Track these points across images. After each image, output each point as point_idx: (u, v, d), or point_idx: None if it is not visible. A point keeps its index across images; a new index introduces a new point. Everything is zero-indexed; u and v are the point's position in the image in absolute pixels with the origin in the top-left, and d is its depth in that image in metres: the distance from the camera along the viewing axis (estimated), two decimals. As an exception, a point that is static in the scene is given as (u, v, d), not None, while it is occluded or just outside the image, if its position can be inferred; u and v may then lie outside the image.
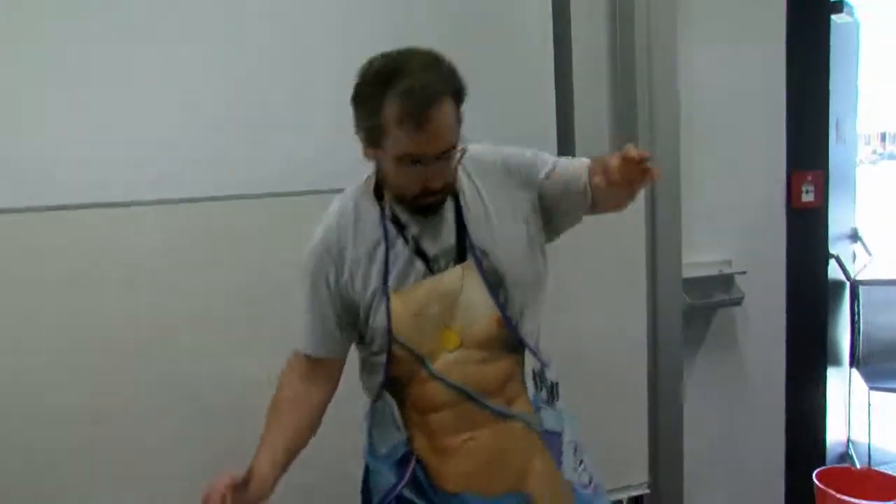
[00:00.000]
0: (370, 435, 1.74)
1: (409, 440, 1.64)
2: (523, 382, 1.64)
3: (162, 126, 2.31)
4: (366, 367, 1.70)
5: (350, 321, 1.65)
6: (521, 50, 2.74)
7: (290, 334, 1.71)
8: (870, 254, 4.11)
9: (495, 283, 1.58)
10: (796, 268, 3.20)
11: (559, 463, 1.67)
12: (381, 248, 1.59)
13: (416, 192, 1.53)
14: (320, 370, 1.68)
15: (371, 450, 1.74)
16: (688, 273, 2.94)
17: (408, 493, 1.65)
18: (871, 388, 3.62)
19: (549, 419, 1.67)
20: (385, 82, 1.44)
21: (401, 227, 1.60)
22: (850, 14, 3.66)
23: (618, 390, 2.75)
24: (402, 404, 1.64)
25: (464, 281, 1.57)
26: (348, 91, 1.50)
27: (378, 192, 1.63)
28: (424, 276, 1.57)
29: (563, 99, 2.83)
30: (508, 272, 1.60)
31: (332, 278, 1.61)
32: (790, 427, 3.16)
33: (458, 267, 1.58)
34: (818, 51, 3.24)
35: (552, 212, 1.65)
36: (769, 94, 3.13)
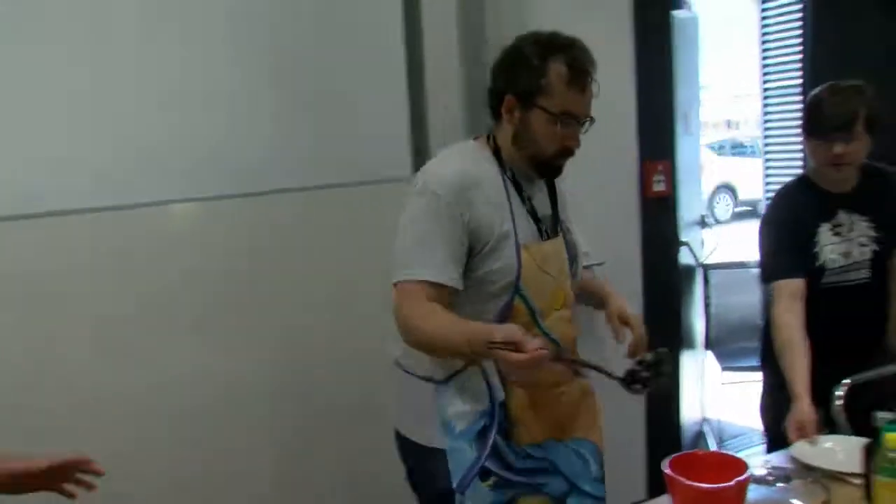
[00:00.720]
0: (444, 414, 1.77)
1: (500, 403, 1.75)
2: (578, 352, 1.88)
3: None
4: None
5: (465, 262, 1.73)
6: (374, 44, 2.74)
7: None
8: (717, 240, 4.31)
9: (572, 257, 1.85)
10: (651, 256, 3.30)
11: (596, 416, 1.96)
12: (505, 200, 1.73)
13: (555, 150, 1.73)
14: (442, 300, 1.68)
15: (448, 430, 1.77)
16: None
17: (492, 465, 1.75)
18: (724, 369, 3.79)
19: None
20: (550, 47, 1.69)
21: (519, 187, 1.77)
22: (689, 9, 3.82)
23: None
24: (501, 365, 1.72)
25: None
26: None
27: (496, 155, 1.78)
28: (537, 237, 1.77)
29: (415, 90, 2.83)
30: (579, 251, 1.90)
31: (465, 213, 1.68)
32: (650, 413, 3.27)
33: (560, 237, 1.83)
34: (662, 45, 3.35)
35: None
36: (618, 89, 3.19)
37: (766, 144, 4.48)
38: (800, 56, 4.07)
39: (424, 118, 2.84)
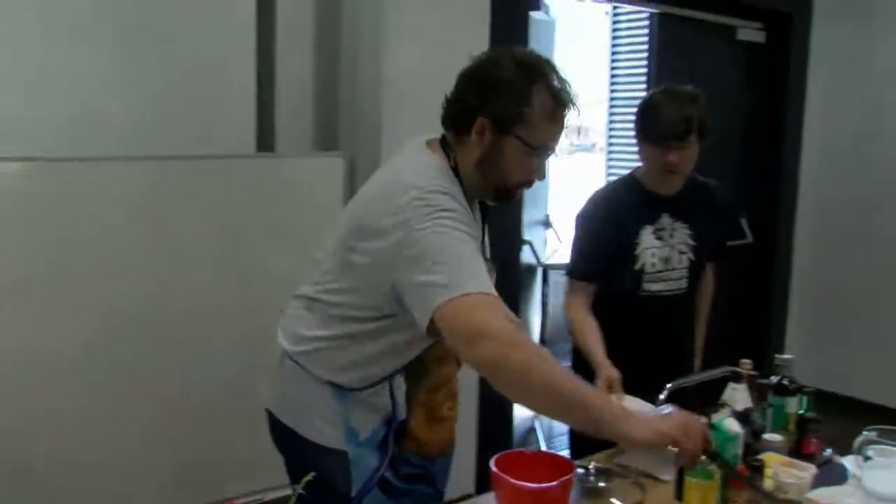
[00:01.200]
0: (348, 420, 1.69)
1: (401, 420, 1.72)
2: None
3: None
4: (388, 352, 1.65)
5: None
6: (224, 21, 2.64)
7: None
8: (560, 239, 4.41)
9: None
10: (494, 253, 3.31)
11: None
12: (479, 222, 1.65)
13: (520, 181, 1.62)
14: None
15: (350, 436, 1.69)
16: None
17: (387, 474, 1.72)
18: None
19: None
20: (535, 73, 1.54)
21: (472, 208, 1.64)
22: (546, 12, 3.89)
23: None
24: (415, 384, 1.73)
25: None
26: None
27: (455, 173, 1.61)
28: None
29: (265, 75, 2.72)
30: None
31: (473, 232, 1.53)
32: (482, 409, 3.30)
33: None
34: (519, 45, 3.37)
35: None
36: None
37: (610, 152, 4.62)
38: (645, 70, 4.24)
39: (272, 98, 2.74)
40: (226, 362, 2.58)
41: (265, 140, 2.74)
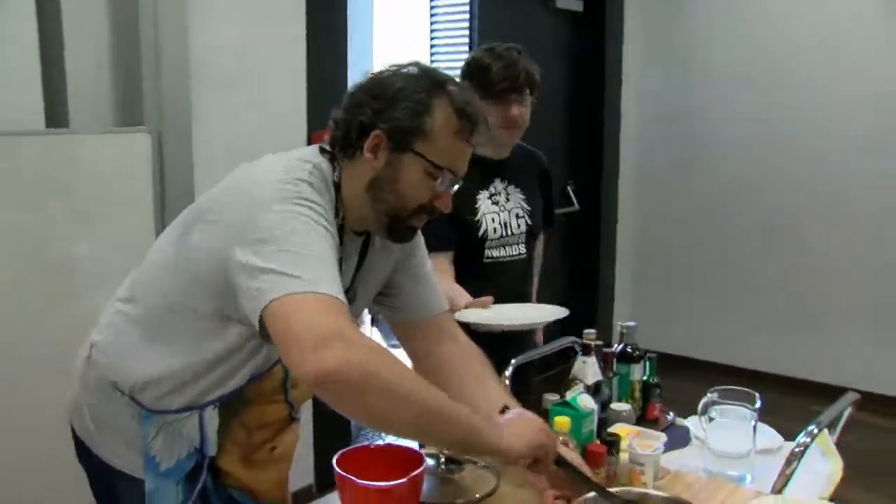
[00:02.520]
0: (147, 446, 1.44)
1: (211, 457, 1.49)
2: None
3: None
4: (202, 374, 1.42)
5: None
6: None
7: None
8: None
9: None
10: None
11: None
12: (353, 256, 1.46)
13: (419, 207, 1.40)
14: None
15: (150, 465, 1.45)
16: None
17: None
18: (390, 346, 3.77)
19: None
20: (438, 84, 1.37)
21: (340, 240, 1.38)
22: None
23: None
24: (226, 422, 1.49)
25: None
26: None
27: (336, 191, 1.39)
28: None
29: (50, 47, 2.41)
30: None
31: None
32: (317, 400, 3.12)
33: None
34: (337, 13, 3.22)
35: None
36: (290, 61, 3.02)
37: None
38: (466, 39, 4.18)
39: (62, 72, 2.44)
40: (30, 360, 2.31)
41: (56, 116, 2.44)
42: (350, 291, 1.48)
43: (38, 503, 2.37)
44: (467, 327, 1.81)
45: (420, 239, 1.63)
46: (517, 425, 1.36)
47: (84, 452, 1.54)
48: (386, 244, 1.54)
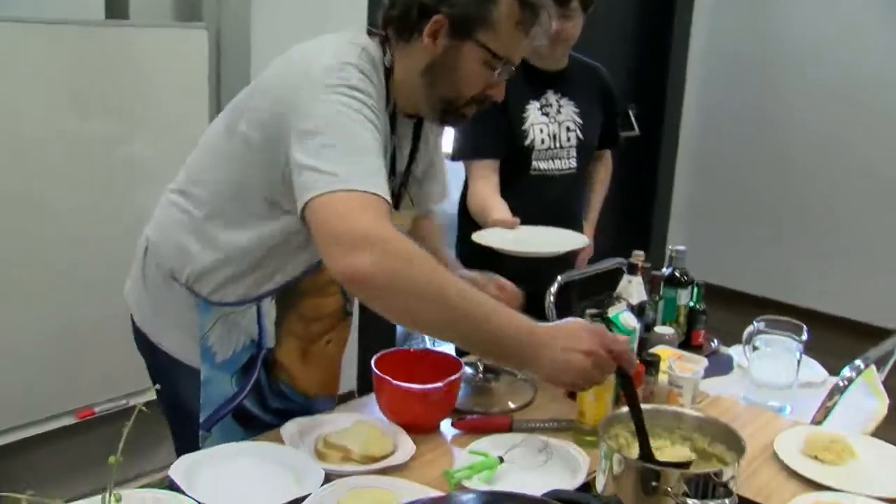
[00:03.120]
0: (205, 338, 1.46)
1: (268, 349, 1.51)
2: None
3: None
4: (258, 264, 1.43)
5: None
6: None
7: None
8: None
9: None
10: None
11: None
12: (388, 131, 1.39)
13: (473, 95, 1.39)
14: None
15: (206, 356, 1.47)
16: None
17: (248, 404, 1.52)
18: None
19: None
20: None
21: (392, 127, 1.42)
22: None
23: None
24: (283, 314, 1.50)
25: None
26: None
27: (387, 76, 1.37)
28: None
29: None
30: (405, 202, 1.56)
31: (379, 123, 1.27)
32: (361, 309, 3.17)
33: (405, 213, 1.54)
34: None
35: None
36: None
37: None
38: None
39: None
40: (88, 259, 2.36)
41: (116, 7, 2.43)
42: (409, 175, 1.52)
43: (99, 393, 2.47)
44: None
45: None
46: (570, 349, 1.21)
47: (144, 342, 1.57)
48: (431, 126, 1.57)
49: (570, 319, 1.29)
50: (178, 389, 1.51)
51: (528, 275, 1.96)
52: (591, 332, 1.24)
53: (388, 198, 1.19)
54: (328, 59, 1.27)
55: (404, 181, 1.52)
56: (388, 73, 1.37)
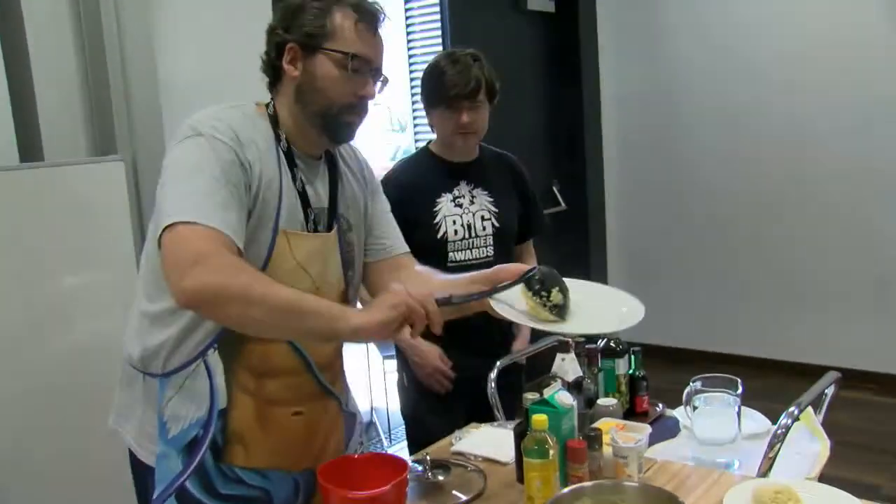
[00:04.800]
0: (162, 413, 1.49)
1: (220, 411, 1.48)
2: (342, 363, 1.70)
3: None
4: (186, 324, 1.47)
5: None
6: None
7: None
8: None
9: (348, 260, 1.62)
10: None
11: (347, 441, 1.72)
12: (277, 177, 1.47)
13: (347, 101, 1.50)
14: None
15: (161, 432, 1.49)
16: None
17: (191, 485, 1.47)
18: (385, 357, 3.79)
19: (352, 401, 1.75)
20: None
21: (292, 163, 1.52)
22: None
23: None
24: (230, 366, 1.49)
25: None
26: None
27: (273, 121, 1.53)
28: (304, 227, 1.52)
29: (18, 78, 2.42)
30: (358, 255, 1.66)
31: (249, 164, 1.42)
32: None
33: (333, 232, 1.57)
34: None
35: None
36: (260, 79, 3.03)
37: (416, 129, 4.56)
38: (440, 46, 4.20)
39: (31, 97, 2.44)
40: (38, 391, 2.32)
41: (29, 150, 2.44)
42: (339, 219, 1.60)
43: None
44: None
45: (378, 185, 1.77)
46: (374, 303, 1.37)
47: (135, 464, 1.60)
48: (349, 168, 1.68)
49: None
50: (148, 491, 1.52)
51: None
52: (385, 301, 1.34)
53: (224, 229, 1.32)
54: (193, 120, 1.44)
55: (332, 212, 1.59)
56: (276, 120, 1.53)
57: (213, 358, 1.48)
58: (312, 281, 1.52)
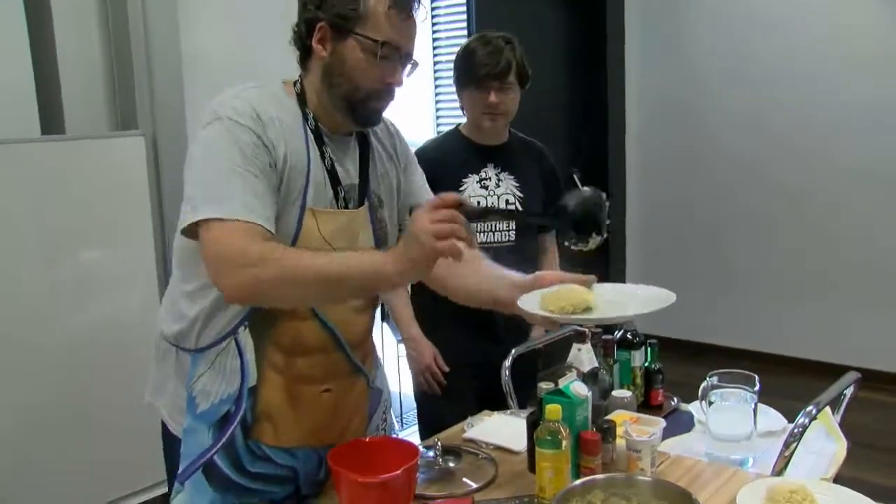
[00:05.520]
0: (191, 388, 1.50)
1: (250, 388, 1.48)
2: (372, 341, 1.68)
3: None
4: (219, 295, 1.45)
5: None
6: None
7: None
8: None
9: (380, 237, 1.60)
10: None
11: (369, 418, 1.71)
12: (304, 155, 1.46)
13: (373, 88, 1.47)
14: None
15: (190, 407, 1.50)
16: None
17: (220, 460, 1.48)
18: (399, 341, 3.77)
19: (380, 377, 1.75)
20: None
21: (320, 141, 1.50)
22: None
23: (135, 372, 2.47)
24: (261, 344, 1.49)
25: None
26: None
27: (300, 99, 1.51)
28: (334, 204, 1.50)
29: (43, 52, 2.42)
30: (391, 231, 1.63)
31: (273, 146, 1.41)
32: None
33: (364, 208, 1.55)
34: None
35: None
36: (283, 52, 3.02)
37: (438, 111, 4.55)
38: (465, 31, 4.17)
39: (55, 71, 2.43)
40: (61, 365, 2.35)
41: (52, 122, 2.44)
42: (370, 195, 1.59)
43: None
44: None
45: (412, 156, 1.73)
46: (403, 240, 1.38)
47: (166, 435, 1.61)
48: (382, 145, 1.65)
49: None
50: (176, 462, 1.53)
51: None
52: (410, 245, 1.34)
53: (246, 216, 1.34)
54: (216, 103, 1.43)
55: (362, 188, 1.57)
56: (303, 98, 1.52)
57: (244, 335, 1.48)
58: None
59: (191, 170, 1.41)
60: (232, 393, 1.49)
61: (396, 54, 1.47)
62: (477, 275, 1.66)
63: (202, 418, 1.49)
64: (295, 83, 1.53)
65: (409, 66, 1.51)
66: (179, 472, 1.49)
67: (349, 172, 1.56)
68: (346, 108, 1.50)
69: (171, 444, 1.58)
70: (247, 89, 1.47)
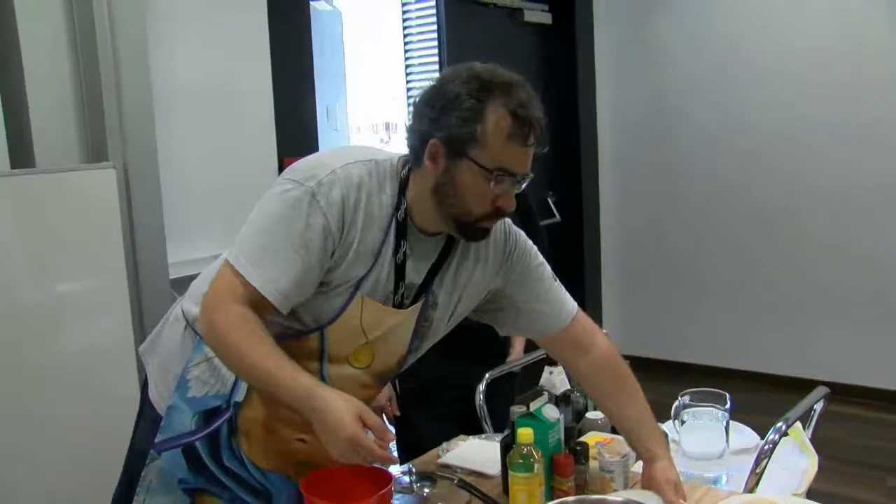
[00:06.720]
0: (187, 370, 1.53)
1: (234, 403, 1.51)
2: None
3: None
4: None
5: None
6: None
7: None
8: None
9: (421, 332, 1.55)
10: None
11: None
12: (377, 246, 1.44)
13: (485, 211, 1.42)
14: (260, 311, 1.40)
15: (180, 387, 1.53)
16: (181, 272, 2.72)
17: (200, 447, 1.52)
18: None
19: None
20: (492, 90, 1.37)
21: (401, 234, 1.45)
22: (330, 3, 3.75)
23: (108, 403, 2.44)
24: None
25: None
26: None
27: (401, 189, 1.46)
28: (389, 299, 1.47)
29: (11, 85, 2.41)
30: (436, 330, 1.59)
31: (336, 238, 1.39)
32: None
33: (414, 308, 1.51)
34: (301, 38, 3.23)
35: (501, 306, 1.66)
36: (255, 83, 3.05)
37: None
38: (436, 59, 4.21)
39: (24, 104, 2.43)
40: (31, 394, 2.32)
41: (21, 156, 2.44)
42: (428, 294, 1.53)
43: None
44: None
45: (532, 249, 1.65)
46: (333, 425, 1.35)
47: (144, 398, 1.64)
48: (479, 252, 1.58)
49: (347, 396, 1.36)
50: (144, 434, 1.57)
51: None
52: (354, 415, 1.33)
53: (266, 291, 1.36)
54: (318, 161, 1.44)
55: (421, 291, 1.52)
56: (404, 186, 1.47)
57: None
58: (367, 343, 1.51)
59: (259, 214, 1.41)
60: (224, 393, 1.53)
61: (511, 179, 1.41)
62: (630, 409, 1.64)
63: (191, 404, 1.53)
64: (404, 165, 1.48)
65: (524, 182, 1.44)
66: (157, 440, 1.52)
67: (418, 271, 1.52)
68: (455, 227, 1.46)
69: (146, 408, 1.62)
70: (353, 164, 1.43)
